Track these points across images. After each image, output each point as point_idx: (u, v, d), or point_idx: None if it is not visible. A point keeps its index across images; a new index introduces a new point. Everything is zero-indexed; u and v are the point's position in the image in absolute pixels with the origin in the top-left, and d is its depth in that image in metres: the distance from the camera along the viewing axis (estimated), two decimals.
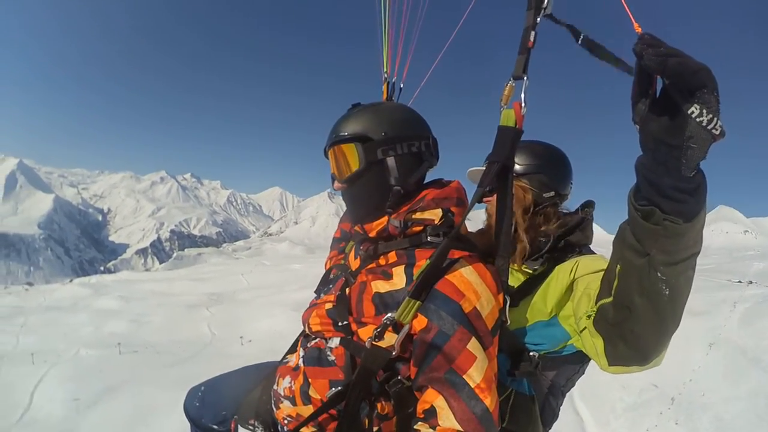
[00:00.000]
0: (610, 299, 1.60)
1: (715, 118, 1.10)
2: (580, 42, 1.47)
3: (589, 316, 1.74)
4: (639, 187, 1.37)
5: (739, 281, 26.71)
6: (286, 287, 63.62)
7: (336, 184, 1.99)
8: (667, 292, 1.40)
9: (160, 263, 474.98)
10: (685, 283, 1.42)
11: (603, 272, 1.71)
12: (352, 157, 1.88)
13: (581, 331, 1.83)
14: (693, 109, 1.10)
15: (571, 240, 2.20)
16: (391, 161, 1.87)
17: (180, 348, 37.07)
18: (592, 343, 1.75)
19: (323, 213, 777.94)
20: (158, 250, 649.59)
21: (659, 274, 1.39)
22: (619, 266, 1.53)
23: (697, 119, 1.10)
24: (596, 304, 1.69)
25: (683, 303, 1.46)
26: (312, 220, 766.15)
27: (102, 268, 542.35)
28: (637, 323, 1.50)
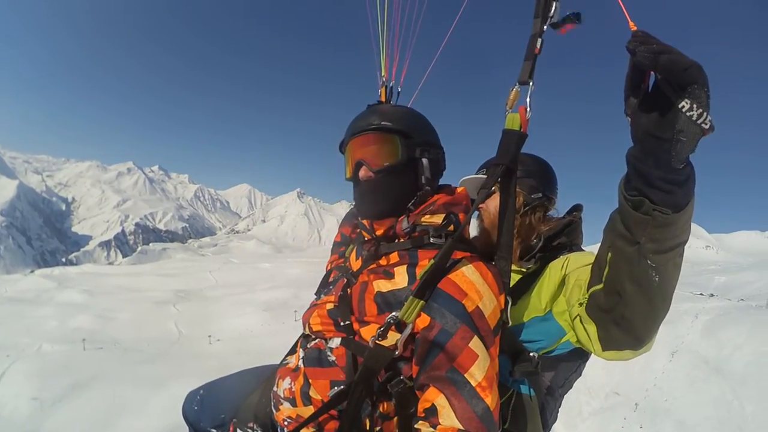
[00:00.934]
0: (601, 286, 1.64)
1: (705, 113, 1.15)
2: (580, 22, 1.59)
3: (581, 304, 1.77)
4: (629, 178, 1.42)
5: (701, 294, 27.41)
6: (257, 286, 63.17)
7: (364, 171, 1.96)
8: (657, 279, 1.46)
9: (124, 257, 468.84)
10: (674, 269, 1.48)
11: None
12: (394, 149, 1.90)
13: (574, 319, 1.86)
14: (684, 103, 1.15)
15: (561, 240, 2.27)
16: (425, 162, 1.92)
17: (147, 345, 36.64)
18: (585, 330, 1.78)
19: (292, 212, 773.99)
20: (122, 243, 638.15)
21: (649, 262, 1.44)
22: (610, 254, 1.58)
23: (688, 113, 1.15)
24: (588, 291, 1.73)
25: (673, 288, 1.54)
26: (280, 219, 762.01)
27: (64, 260, 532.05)
28: (628, 308, 1.55)
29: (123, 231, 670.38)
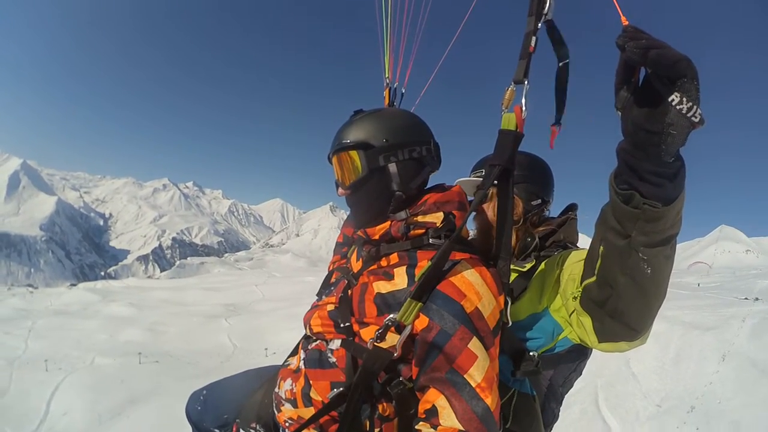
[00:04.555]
0: (594, 278, 1.65)
1: (695, 106, 1.15)
2: (560, 63, 1.58)
3: (575, 298, 1.78)
4: (619, 172, 1.42)
5: (746, 298, 27.19)
6: (303, 300, 60.59)
7: (340, 190, 2.03)
8: (649, 271, 1.46)
9: (161, 271, 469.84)
10: (666, 261, 1.48)
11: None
12: (355, 164, 1.93)
13: (571, 314, 1.87)
14: (673, 97, 1.16)
15: (557, 239, 2.29)
16: (392, 167, 1.91)
17: (202, 359, 36.56)
18: (581, 323, 1.78)
19: (325, 226, 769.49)
20: (159, 258, 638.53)
21: (640, 255, 1.44)
22: (601, 247, 1.59)
23: (678, 107, 1.16)
24: (581, 284, 1.74)
25: (666, 280, 1.52)
26: (314, 232, 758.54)
27: (103, 273, 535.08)
28: (621, 300, 1.55)
29: (160, 245, 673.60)
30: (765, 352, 16.38)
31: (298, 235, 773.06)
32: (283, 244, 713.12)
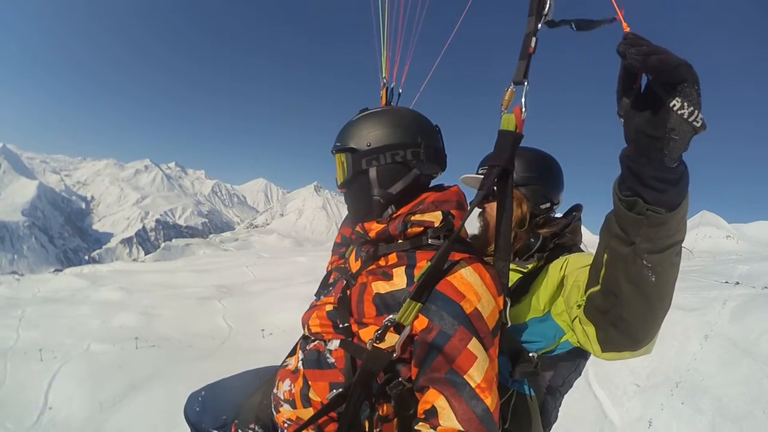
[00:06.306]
0: (598, 287, 1.64)
1: (696, 111, 1.16)
2: (575, 28, 1.52)
3: (579, 306, 1.77)
4: (623, 178, 1.42)
5: (726, 282, 27.86)
6: (295, 280, 62.29)
7: (338, 188, 2.09)
8: (653, 279, 1.45)
9: (146, 253, 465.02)
10: (671, 269, 1.47)
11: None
12: (345, 166, 1.98)
13: (573, 321, 1.86)
14: (675, 102, 1.17)
15: (560, 241, 2.26)
16: (372, 172, 1.92)
17: (199, 342, 36.26)
18: (584, 332, 1.77)
19: (310, 206, 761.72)
20: (143, 240, 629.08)
21: (645, 262, 1.43)
22: (606, 255, 1.58)
23: (679, 111, 1.17)
24: (585, 293, 1.73)
25: (671, 288, 1.51)
26: (298, 212, 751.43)
27: (87, 258, 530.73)
28: (625, 309, 1.55)
29: (144, 228, 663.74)
30: (745, 333, 17.10)
31: (282, 215, 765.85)
32: (268, 224, 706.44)
